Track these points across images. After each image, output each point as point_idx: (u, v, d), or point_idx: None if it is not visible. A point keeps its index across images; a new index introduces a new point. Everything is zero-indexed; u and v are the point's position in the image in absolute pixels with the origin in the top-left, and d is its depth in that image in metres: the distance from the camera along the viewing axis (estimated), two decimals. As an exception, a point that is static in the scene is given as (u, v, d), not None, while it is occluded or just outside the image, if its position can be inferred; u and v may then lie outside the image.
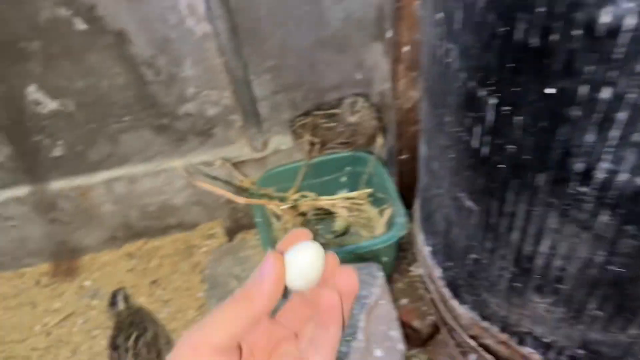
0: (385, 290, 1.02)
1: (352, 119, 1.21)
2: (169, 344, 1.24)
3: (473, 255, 0.83)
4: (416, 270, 1.18)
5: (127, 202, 1.40)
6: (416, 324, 1.10)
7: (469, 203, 0.75)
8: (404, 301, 1.13)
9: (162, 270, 1.43)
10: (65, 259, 1.50)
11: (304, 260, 0.36)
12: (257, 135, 1.30)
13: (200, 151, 1.34)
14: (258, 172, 1.36)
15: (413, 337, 1.11)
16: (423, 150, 0.89)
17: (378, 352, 0.94)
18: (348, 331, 0.96)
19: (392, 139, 1.13)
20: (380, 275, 1.04)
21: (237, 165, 1.34)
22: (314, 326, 0.38)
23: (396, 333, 0.97)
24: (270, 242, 1.12)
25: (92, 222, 1.43)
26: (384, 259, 1.09)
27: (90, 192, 1.36)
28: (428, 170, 0.88)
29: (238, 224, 1.31)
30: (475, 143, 0.66)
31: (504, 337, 0.90)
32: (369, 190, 1.25)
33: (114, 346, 1.21)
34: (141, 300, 1.38)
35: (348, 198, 1.22)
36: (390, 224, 1.12)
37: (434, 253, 1.00)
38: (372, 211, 1.22)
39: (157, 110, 1.23)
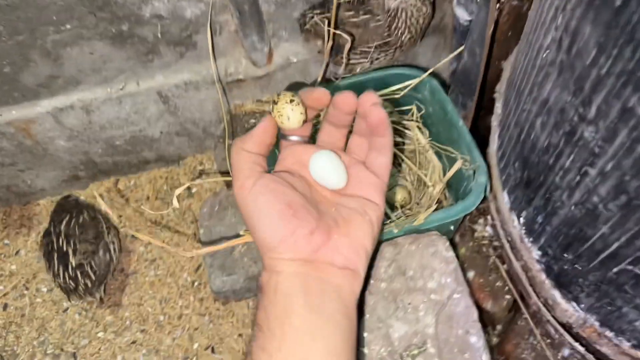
0: (459, 277, 0.74)
1: (394, 3, 0.83)
2: (112, 235, 1.07)
3: (630, 267, 0.54)
4: (484, 230, 0.89)
5: (85, 137, 1.04)
6: (489, 306, 0.84)
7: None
8: (470, 274, 0.86)
9: (142, 218, 1.13)
10: (14, 207, 1.18)
11: (321, 168, 0.51)
12: (258, 43, 0.92)
13: (178, 67, 0.96)
14: (260, 95, 1.00)
15: (484, 322, 0.85)
16: (550, 92, 0.55)
17: (455, 370, 0.68)
18: (414, 341, 0.70)
19: (468, 48, 0.77)
20: (450, 256, 0.75)
21: (232, 86, 0.98)
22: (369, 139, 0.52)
23: (478, 339, 0.70)
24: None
25: (43, 162, 1.09)
26: (451, 227, 0.79)
27: (34, 126, 1.00)
28: (558, 129, 0.55)
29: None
30: None
31: (639, 354, 0.64)
32: (419, 114, 0.90)
33: (45, 233, 1.06)
34: (122, 259, 1.09)
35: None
36: (458, 176, 0.80)
37: (533, 231, 0.70)
38: (424, 140, 0.88)
39: (111, 13, 0.84)
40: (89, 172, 1.14)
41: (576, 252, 0.61)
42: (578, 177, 0.54)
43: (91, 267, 0.99)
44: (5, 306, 1.06)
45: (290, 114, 0.49)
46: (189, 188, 1.13)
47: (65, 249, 1.00)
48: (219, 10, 0.87)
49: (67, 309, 1.05)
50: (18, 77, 0.92)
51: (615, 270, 0.56)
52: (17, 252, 1.13)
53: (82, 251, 1.00)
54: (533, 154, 0.63)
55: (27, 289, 1.08)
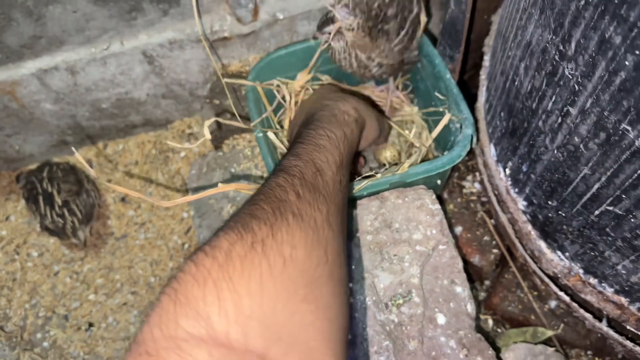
0: (445, 229, 0.74)
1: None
2: (91, 184, 1.10)
3: (610, 208, 0.53)
4: (472, 186, 0.89)
5: (71, 99, 1.03)
6: (477, 260, 0.84)
7: (638, 143, 0.44)
8: (458, 229, 0.86)
9: (131, 182, 1.12)
10: (3, 173, 1.17)
11: None
12: (242, -1, 0.90)
13: (162, 26, 0.95)
14: (247, 55, 0.99)
15: (471, 278, 0.86)
16: (532, 33, 0.55)
17: (441, 318, 0.69)
18: (399, 291, 0.70)
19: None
20: (436, 209, 0.75)
21: (218, 44, 0.97)
22: None
23: (463, 289, 0.71)
24: (273, 154, 0.79)
25: (30, 126, 1.08)
26: (438, 181, 0.79)
27: (19, 89, 0.99)
28: (540, 70, 0.54)
29: (226, 127, 0.98)
30: None
31: (622, 299, 0.65)
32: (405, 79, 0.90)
33: (27, 182, 1.07)
34: (112, 223, 1.09)
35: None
36: (445, 131, 0.80)
37: (518, 181, 0.70)
38: (413, 112, 0.88)
39: (91, -32, 0.82)
40: (76, 137, 1.13)
41: (560, 198, 0.61)
42: (560, 119, 0.53)
43: (77, 205, 1.02)
44: (-4, 271, 1.07)
45: None
46: (177, 152, 1.13)
47: (50, 190, 1.02)
48: (202, -35, 0.86)
49: (57, 272, 1.05)
50: (1, 38, 0.90)
51: (596, 212, 0.56)
52: (7, 218, 1.12)
53: (66, 189, 1.02)
54: (517, 100, 0.62)
55: (17, 253, 1.08)
